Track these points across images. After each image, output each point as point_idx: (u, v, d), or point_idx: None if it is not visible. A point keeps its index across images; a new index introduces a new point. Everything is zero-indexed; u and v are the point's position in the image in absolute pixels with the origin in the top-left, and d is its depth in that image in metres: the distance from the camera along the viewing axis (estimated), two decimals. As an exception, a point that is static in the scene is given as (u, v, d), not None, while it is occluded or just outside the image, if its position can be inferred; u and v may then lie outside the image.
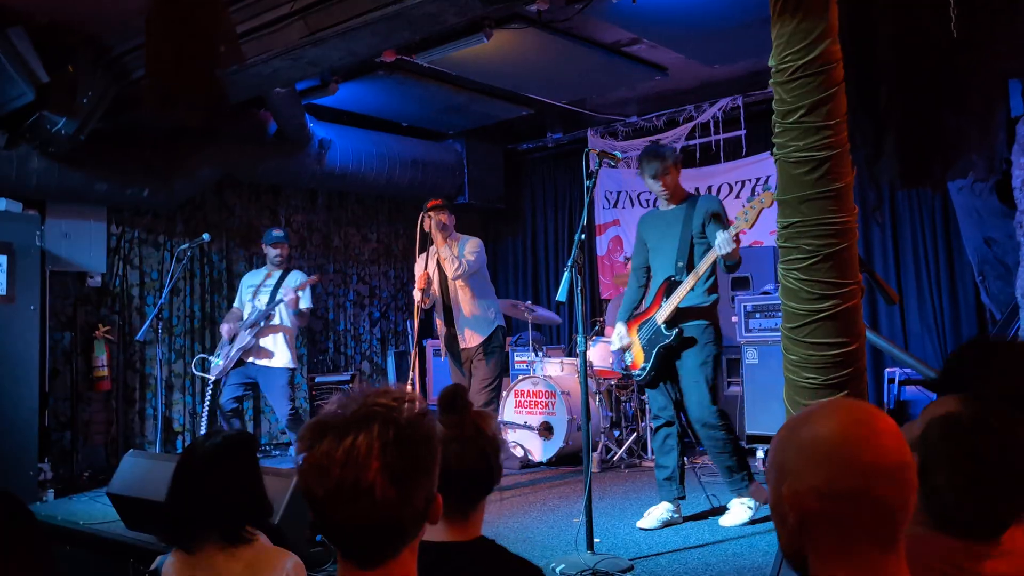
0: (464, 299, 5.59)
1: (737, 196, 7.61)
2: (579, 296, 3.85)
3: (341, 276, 8.56)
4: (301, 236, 8.21)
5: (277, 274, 6.26)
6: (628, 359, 4.65)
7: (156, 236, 7.22)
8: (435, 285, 5.65)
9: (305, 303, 6.12)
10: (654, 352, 4.42)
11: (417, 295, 5.52)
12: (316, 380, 7.96)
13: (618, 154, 4.17)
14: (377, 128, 8.06)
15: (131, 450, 5.07)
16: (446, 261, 5.48)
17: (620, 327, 4.61)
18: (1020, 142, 5.01)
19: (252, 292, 6.26)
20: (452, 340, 5.68)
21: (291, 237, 8.02)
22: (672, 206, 4.52)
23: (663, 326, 4.38)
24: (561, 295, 3.87)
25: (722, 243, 4.11)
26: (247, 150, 7.13)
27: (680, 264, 4.38)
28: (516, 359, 8.00)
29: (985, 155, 3.96)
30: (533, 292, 9.28)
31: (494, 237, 9.77)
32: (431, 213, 5.50)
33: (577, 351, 7.21)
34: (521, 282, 9.51)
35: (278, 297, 6.00)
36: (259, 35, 4.84)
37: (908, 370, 5.99)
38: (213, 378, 6.12)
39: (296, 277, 6.20)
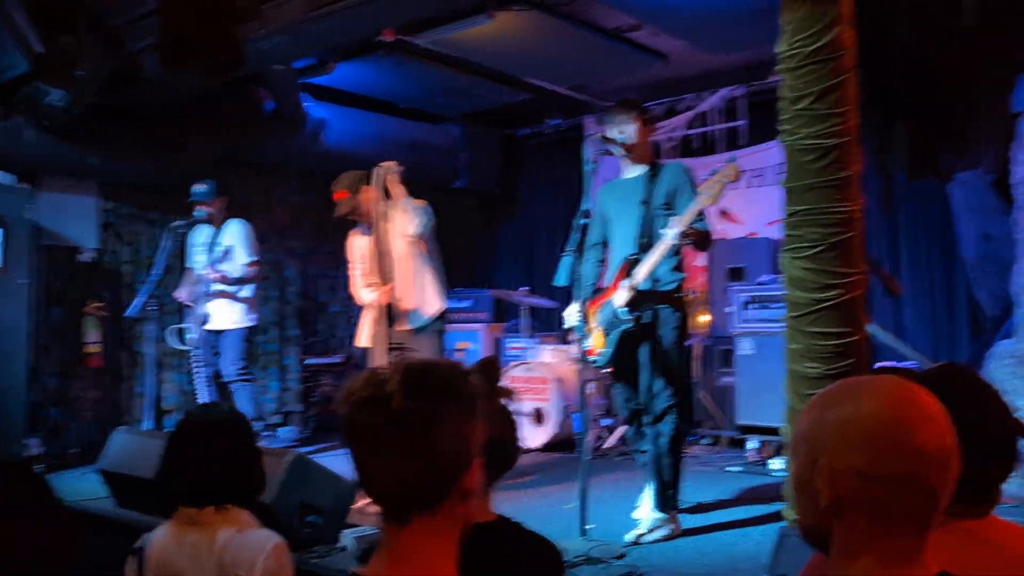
0: (409, 269, 4.82)
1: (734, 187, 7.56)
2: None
3: (334, 259, 8.48)
4: (295, 217, 8.13)
5: (210, 232, 6.06)
6: (587, 343, 4.12)
7: (149, 213, 7.13)
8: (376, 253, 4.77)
9: (244, 258, 5.95)
10: (612, 338, 4.06)
11: (368, 296, 4.77)
12: (307, 362, 7.91)
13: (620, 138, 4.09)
14: (374, 109, 7.97)
15: (119, 427, 5.04)
16: (407, 214, 4.76)
17: (575, 307, 4.07)
18: (1020, 137, 5.01)
19: (194, 253, 6.15)
20: (385, 312, 4.72)
21: (282, 214, 7.97)
22: (635, 173, 4.16)
23: (621, 310, 3.99)
24: (559, 279, 3.83)
25: (671, 235, 3.81)
26: (242, 129, 7.03)
27: (643, 240, 4.01)
28: (509, 345, 7.97)
29: (994, 148, 3.94)
30: (529, 278, 9.23)
31: (491, 223, 9.72)
32: (391, 166, 4.70)
33: (572, 338, 7.26)
34: (517, 268, 9.46)
35: (208, 275, 5.88)
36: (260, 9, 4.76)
37: (899, 364, 5.99)
38: (189, 349, 6.10)
39: (230, 231, 6.01)
